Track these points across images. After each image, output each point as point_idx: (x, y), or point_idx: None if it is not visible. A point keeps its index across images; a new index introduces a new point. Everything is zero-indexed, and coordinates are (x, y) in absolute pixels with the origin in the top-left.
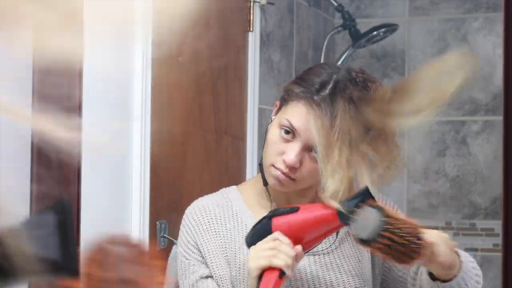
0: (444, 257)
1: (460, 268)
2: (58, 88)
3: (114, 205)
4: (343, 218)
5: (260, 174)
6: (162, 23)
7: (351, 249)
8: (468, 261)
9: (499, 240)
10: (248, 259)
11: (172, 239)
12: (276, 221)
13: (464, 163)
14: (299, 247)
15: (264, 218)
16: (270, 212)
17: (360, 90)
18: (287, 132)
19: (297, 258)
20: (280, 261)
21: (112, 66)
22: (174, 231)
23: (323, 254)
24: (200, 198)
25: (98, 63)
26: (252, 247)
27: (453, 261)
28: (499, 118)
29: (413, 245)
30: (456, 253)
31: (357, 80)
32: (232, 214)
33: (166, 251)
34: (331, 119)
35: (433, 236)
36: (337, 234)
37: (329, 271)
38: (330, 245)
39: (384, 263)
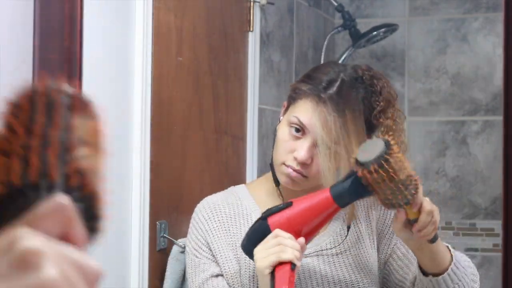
0: (429, 230)
1: (451, 262)
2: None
3: (114, 205)
4: (340, 200)
5: (270, 173)
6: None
7: (359, 248)
8: (462, 260)
9: (499, 240)
10: (255, 261)
11: (172, 239)
12: (272, 219)
13: (464, 163)
14: (302, 239)
15: (258, 220)
16: (263, 213)
17: (366, 87)
18: (296, 130)
19: (302, 249)
20: (289, 255)
21: (112, 66)
22: (174, 231)
23: (332, 254)
24: (209, 196)
25: (97, 63)
26: (256, 250)
27: (442, 249)
28: (499, 118)
29: (405, 189)
30: (447, 248)
31: (364, 78)
32: (242, 212)
33: (166, 251)
34: (338, 117)
35: (428, 203)
36: (346, 234)
37: (337, 270)
38: (339, 245)
39: (385, 266)
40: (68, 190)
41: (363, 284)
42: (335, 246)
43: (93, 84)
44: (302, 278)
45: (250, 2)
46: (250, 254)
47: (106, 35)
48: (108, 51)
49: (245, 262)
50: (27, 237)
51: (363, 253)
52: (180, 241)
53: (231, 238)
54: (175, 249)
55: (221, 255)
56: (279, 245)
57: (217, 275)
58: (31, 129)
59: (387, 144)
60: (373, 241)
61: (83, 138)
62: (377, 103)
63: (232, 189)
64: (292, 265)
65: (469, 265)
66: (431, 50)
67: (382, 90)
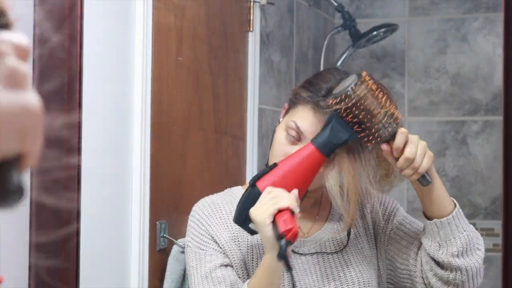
0: (421, 159)
1: (455, 210)
2: (58, 88)
3: (114, 205)
4: (323, 148)
5: None
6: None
7: (358, 245)
8: (468, 222)
9: (499, 240)
10: (254, 219)
11: (172, 239)
12: (261, 183)
13: (464, 163)
14: (295, 190)
15: (247, 188)
16: (249, 181)
17: None
18: (293, 134)
19: (296, 200)
20: (286, 201)
21: (112, 66)
22: (174, 231)
23: (332, 252)
24: (206, 197)
25: (97, 63)
26: (251, 210)
27: (442, 194)
28: (499, 118)
29: (383, 125)
30: (453, 201)
31: None
32: None
33: (166, 251)
34: None
35: (412, 148)
36: (348, 236)
37: (337, 267)
38: (341, 249)
39: (387, 255)
40: None
41: (363, 280)
42: (335, 247)
43: (93, 84)
44: (301, 276)
45: (250, 2)
46: (245, 224)
47: (106, 35)
48: (108, 51)
49: (247, 256)
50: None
51: (362, 249)
52: (180, 241)
53: (233, 233)
54: (175, 249)
55: (228, 247)
56: (274, 197)
57: (226, 265)
58: None
59: (359, 77)
60: (371, 236)
61: None
62: None
63: (229, 190)
64: (291, 211)
65: (473, 230)
66: (431, 50)
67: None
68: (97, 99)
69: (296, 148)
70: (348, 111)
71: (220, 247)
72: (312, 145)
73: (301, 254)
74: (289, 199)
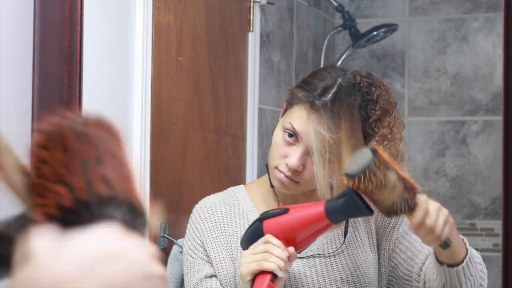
0: (442, 228)
1: (466, 256)
2: (58, 88)
3: None
4: (332, 216)
5: (267, 174)
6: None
7: (357, 249)
8: (475, 255)
9: (499, 240)
10: (240, 265)
11: (172, 239)
12: (267, 223)
13: (464, 163)
14: (291, 249)
15: (255, 221)
16: (260, 214)
17: (363, 95)
18: (290, 135)
19: (290, 259)
20: (271, 264)
21: (112, 66)
22: (174, 231)
23: (330, 255)
24: (208, 196)
25: (97, 63)
26: (243, 253)
27: (458, 244)
28: (499, 118)
29: (401, 197)
30: (463, 241)
31: (361, 85)
32: (239, 213)
33: (166, 251)
34: (331, 125)
35: (430, 202)
36: (344, 237)
37: (334, 271)
38: (337, 249)
39: (390, 263)
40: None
41: (359, 282)
42: (332, 248)
43: (93, 84)
44: (298, 279)
45: (250, 2)
46: None
47: (106, 35)
48: (108, 51)
49: (239, 263)
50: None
51: (360, 253)
52: (180, 241)
53: (226, 238)
54: (175, 249)
55: (215, 256)
56: (265, 253)
57: (211, 276)
58: (65, 160)
59: (375, 153)
60: (373, 240)
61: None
62: (373, 111)
63: (231, 189)
64: (273, 275)
65: (480, 262)
66: (431, 50)
67: (379, 98)
68: (97, 99)
69: (293, 149)
70: (365, 189)
71: (207, 255)
72: (323, 207)
73: (299, 257)
74: (276, 262)
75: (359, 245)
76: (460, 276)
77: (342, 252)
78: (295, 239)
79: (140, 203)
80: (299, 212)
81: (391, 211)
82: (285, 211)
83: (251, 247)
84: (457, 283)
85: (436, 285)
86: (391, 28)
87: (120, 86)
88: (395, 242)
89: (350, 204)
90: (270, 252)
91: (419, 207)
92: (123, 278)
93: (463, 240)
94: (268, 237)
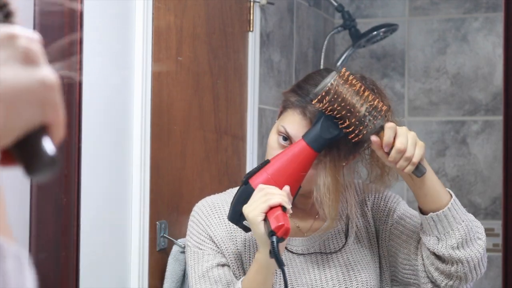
0: (412, 149)
1: (450, 201)
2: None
3: (114, 205)
4: (314, 145)
5: None
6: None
7: (357, 245)
8: (465, 211)
9: (499, 240)
10: (246, 216)
11: (172, 239)
12: (254, 180)
13: (464, 163)
14: (286, 187)
15: (240, 186)
16: (242, 179)
17: None
18: (284, 138)
19: (288, 197)
20: (277, 198)
21: (112, 66)
22: (174, 231)
23: (331, 252)
24: (207, 197)
25: (97, 63)
26: (244, 207)
27: (436, 186)
28: (499, 118)
29: (367, 119)
30: (449, 192)
31: None
32: None
33: (166, 251)
34: None
35: (402, 139)
36: (346, 236)
37: (336, 267)
38: (340, 248)
39: (389, 252)
40: None
41: (361, 280)
42: (334, 246)
43: (93, 84)
44: (298, 276)
45: (250, 2)
46: (239, 222)
47: (106, 35)
48: (108, 50)
49: (244, 253)
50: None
51: (362, 248)
52: (180, 241)
53: (231, 233)
54: (175, 249)
55: (225, 248)
56: (266, 195)
57: (223, 265)
58: None
59: (339, 73)
60: (373, 233)
61: None
62: None
63: (230, 190)
64: (283, 208)
65: (472, 219)
66: (431, 50)
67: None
68: (97, 99)
69: None
70: (330, 107)
71: (218, 247)
72: (303, 140)
73: (299, 254)
74: (280, 196)
75: (359, 242)
76: (449, 219)
77: (343, 249)
78: (286, 182)
79: None
80: (282, 157)
81: (359, 132)
82: (267, 162)
83: (249, 201)
84: (448, 229)
85: (431, 244)
86: (391, 28)
87: (120, 86)
88: (390, 228)
89: (326, 124)
90: (270, 192)
91: (388, 128)
92: None
93: (449, 192)
94: (260, 185)
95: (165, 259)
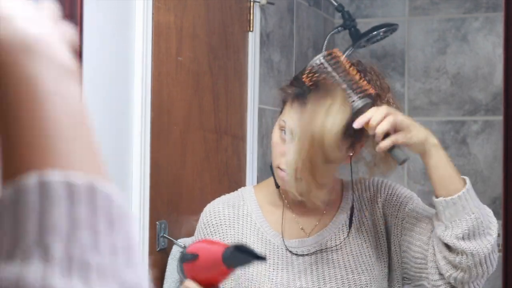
0: (378, 120)
1: (463, 190)
2: None
3: None
4: (227, 262)
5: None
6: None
7: (360, 246)
8: (481, 203)
9: (499, 240)
10: None
11: (172, 239)
12: (186, 267)
13: (464, 163)
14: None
15: (178, 261)
16: (180, 255)
17: None
18: (286, 133)
19: None
20: None
21: (112, 66)
22: (174, 231)
23: (331, 251)
24: (216, 199)
25: (97, 63)
26: None
27: (448, 170)
28: (499, 118)
29: (351, 96)
30: (464, 180)
31: None
32: (243, 213)
33: (166, 251)
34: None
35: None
36: (348, 232)
37: (335, 268)
38: (340, 243)
39: (401, 247)
40: None
41: (360, 282)
42: (335, 245)
43: (93, 84)
44: (297, 277)
45: (250, 2)
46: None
47: (106, 35)
48: (108, 50)
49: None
50: None
51: (366, 249)
52: (180, 241)
53: (227, 241)
54: (175, 249)
55: None
56: None
57: None
58: None
59: (331, 53)
60: (382, 233)
61: None
62: None
63: (241, 190)
64: None
65: (486, 213)
66: (431, 50)
67: (369, 83)
68: (97, 99)
69: (290, 146)
70: (315, 82)
71: None
72: (220, 254)
73: (300, 255)
74: None
75: (363, 241)
76: (457, 207)
77: (346, 248)
78: (211, 280)
79: None
80: (206, 259)
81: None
82: (195, 257)
83: None
84: (455, 217)
85: (440, 230)
86: (391, 28)
87: (120, 86)
88: (402, 222)
89: (241, 250)
90: None
91: (371, 109)
92: None
93: (465, 179)
94: (186, 283)
95: (165, 259)
